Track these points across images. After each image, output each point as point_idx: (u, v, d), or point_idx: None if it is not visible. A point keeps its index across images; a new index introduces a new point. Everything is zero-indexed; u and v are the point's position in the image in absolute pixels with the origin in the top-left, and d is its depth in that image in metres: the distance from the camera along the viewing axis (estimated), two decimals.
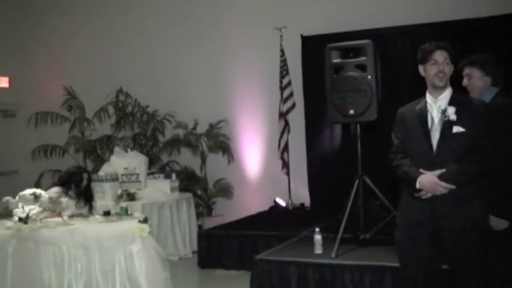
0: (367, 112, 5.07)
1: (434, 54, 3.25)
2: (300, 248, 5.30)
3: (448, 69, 3.27)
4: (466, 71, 3.66)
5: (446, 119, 3.20)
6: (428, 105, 3.30)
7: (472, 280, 3.19)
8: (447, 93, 3.28)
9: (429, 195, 3.18)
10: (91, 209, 5.44)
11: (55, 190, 5.21)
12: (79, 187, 5.37)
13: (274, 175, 8.12)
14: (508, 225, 3.38)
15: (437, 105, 3.27)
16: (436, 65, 3.25)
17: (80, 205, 5.31)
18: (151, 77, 8.95)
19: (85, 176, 5.54)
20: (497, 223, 3.37)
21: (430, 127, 3.25)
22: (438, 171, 3.15)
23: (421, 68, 3.35)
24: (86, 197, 5.46)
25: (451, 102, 3.25)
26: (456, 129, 3.17)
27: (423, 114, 3.29)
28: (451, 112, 3.20)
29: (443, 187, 3.14)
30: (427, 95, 3.35)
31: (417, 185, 3.20)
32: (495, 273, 3.34)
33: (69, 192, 5.27)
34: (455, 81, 3.53)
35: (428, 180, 3.16)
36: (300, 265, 4.78)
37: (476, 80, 3.61)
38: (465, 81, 3.68)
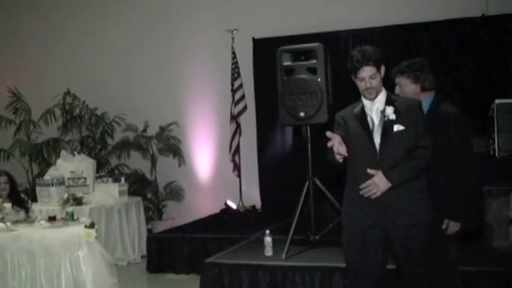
0: (317, 114, 5.13)
1: (360, 73, 3.25)
2: (251, 251, 5.30)
3: (376, 82, 3.27)
4: (396, 80, 3.69)
5: (386, 119, 3.24)
6: (366, 109, 3.32)
7: (419, 278, 3.24)
8: (382, 95, 3.31)
9: (378, 194, 3.18)
10: (28, 212, 5.28)
11: None
12: None
13: (226, 177, 8.10)
14: (459, 227, 3.45)
15: (375, 107, 3.29)
16: (364, 81, 3.27)
17: (15, 210, 5.13)
18: (100, 78, 8.78)
19: (2, 179, 5.32)
20: (451, 226, 3.43)
21: (372, 129, 3.28)
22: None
23: (352, 77, 3.35)
24: (15, 200, 5.27)
25: (387, 103, 3.28)
26: (397, 127, 3.21)
27: (362, 117, 3.31)
28: (390, 112, 3.24)
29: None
30: (363, 98, 3.35)
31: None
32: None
33: None
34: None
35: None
36: (251, 268, 4.78)
37: (406, 88, 3.62)
38: (397, 89, 3.70)
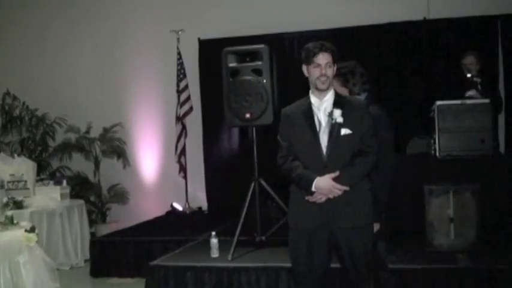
0: (263, 116, 5.16)
1: (317, 57, 3.24)
2: (197, 253, 5.26)
3: (331, 72, 3.27)
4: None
5: (334, 121, 3.23)
6: (313, 107, 3.30)
7: (362, 277, 3.29)
8: (331, 95, 3.31)
9: (324, 199, 3.19)
10: None
11: None
12: None
13: (172, 179, 8.04)
14: (379, 226, 3.55)
15: (323, 107, 3.28)
16: (319, 68, 3.25)
17: None
18: (40, 79, 8.57)
19: None
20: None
21: (319, 130, 3.26)
22: (333, 174, 3.18)
23: (304, 69, 3.33)
24: None
25: (335, 104, 3.27)
26: (344, 131, 3.21)
27: (310, 116, 3.28)
28: (338, 115, 3.23)
29: (339, 189, 3.17)
30: (311, 96, 3.33)
31: (313, 188, 3.19)
32: None
33: None
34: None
35: (326, 183, 3.16)
36: (197, 270, 4.74)
37: (336, 90, 3.64)
38: None
